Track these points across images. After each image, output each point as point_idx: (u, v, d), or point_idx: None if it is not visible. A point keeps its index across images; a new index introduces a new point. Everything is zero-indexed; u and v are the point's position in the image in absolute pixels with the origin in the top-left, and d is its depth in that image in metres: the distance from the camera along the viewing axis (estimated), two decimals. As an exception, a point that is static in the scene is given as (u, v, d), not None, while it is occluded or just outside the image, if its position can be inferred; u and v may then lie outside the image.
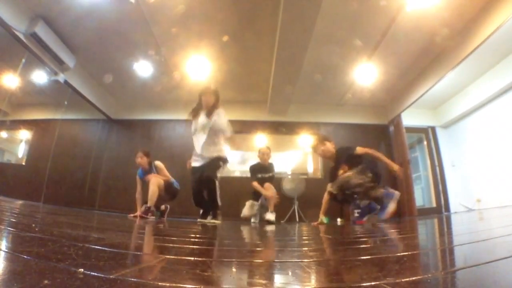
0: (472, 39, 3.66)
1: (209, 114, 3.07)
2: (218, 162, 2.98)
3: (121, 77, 5.19)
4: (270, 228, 2.58)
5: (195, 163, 3.04)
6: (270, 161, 4.36)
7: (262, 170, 4.23)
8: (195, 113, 3.21)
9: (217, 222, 2.88)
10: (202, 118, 3.09)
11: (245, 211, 4.01)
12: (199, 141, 3.07)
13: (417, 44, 4.18)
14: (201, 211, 3.06)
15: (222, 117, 3.10)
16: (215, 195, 2.89)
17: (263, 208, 4.02)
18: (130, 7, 3.47)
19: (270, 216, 3.64)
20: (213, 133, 3.04)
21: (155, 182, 3.29)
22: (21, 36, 3.64)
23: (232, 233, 1.80)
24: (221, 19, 3.81)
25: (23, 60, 4.51)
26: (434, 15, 3.50)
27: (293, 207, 5.00)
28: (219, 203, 2.94)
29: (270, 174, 4.24)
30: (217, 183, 2.91)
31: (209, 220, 2.90)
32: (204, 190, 2.95)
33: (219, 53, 4.29)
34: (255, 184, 4.08)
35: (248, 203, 4.05)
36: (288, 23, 3.44)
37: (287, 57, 4.08)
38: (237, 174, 6.62)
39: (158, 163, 3.62)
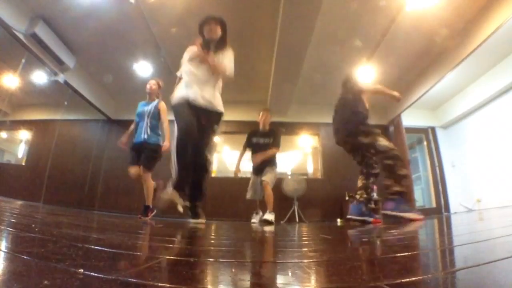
0: (472, 40, 3.66)
1: (218, 48, 2.36)
2: (218, 118, 2.28)
3: (121, 77, 5.20)
4: (269, 228, 2.57)
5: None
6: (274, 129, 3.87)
7: (257, 135, 3.79)
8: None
9: (202, 221, 2.27)
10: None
11: (248, 192, 3.79)
12: (196, 74, 2.30)
13: (417, 44, 4.19)
14: (184, 204, 2.18)
15: (229, 57, 2.39)
16: (206, 178, 2.22)
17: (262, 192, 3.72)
18: (130, 7, 3.48)
19: (269, 216, 3.60)
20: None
21: (149, 180, 3.10)
22: (21, 36, 3.65)
23: (231, 234, 1.80)
24: (221, 19, 3.81)
25: (23, 60, 4.52)
26: (434, 15, 3.51)
27: (293, 207, 5.01)
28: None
29: (266, 141, 3.70)
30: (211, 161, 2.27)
31: (197, 221, 2.24)
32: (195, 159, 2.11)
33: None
34: (239, 155, 3.90)
35: (251, 179, 3.81)
36: (288, 23, 3.45)
37: (287, 57, 4.08)
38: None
39: (162, 106, 3.38)
